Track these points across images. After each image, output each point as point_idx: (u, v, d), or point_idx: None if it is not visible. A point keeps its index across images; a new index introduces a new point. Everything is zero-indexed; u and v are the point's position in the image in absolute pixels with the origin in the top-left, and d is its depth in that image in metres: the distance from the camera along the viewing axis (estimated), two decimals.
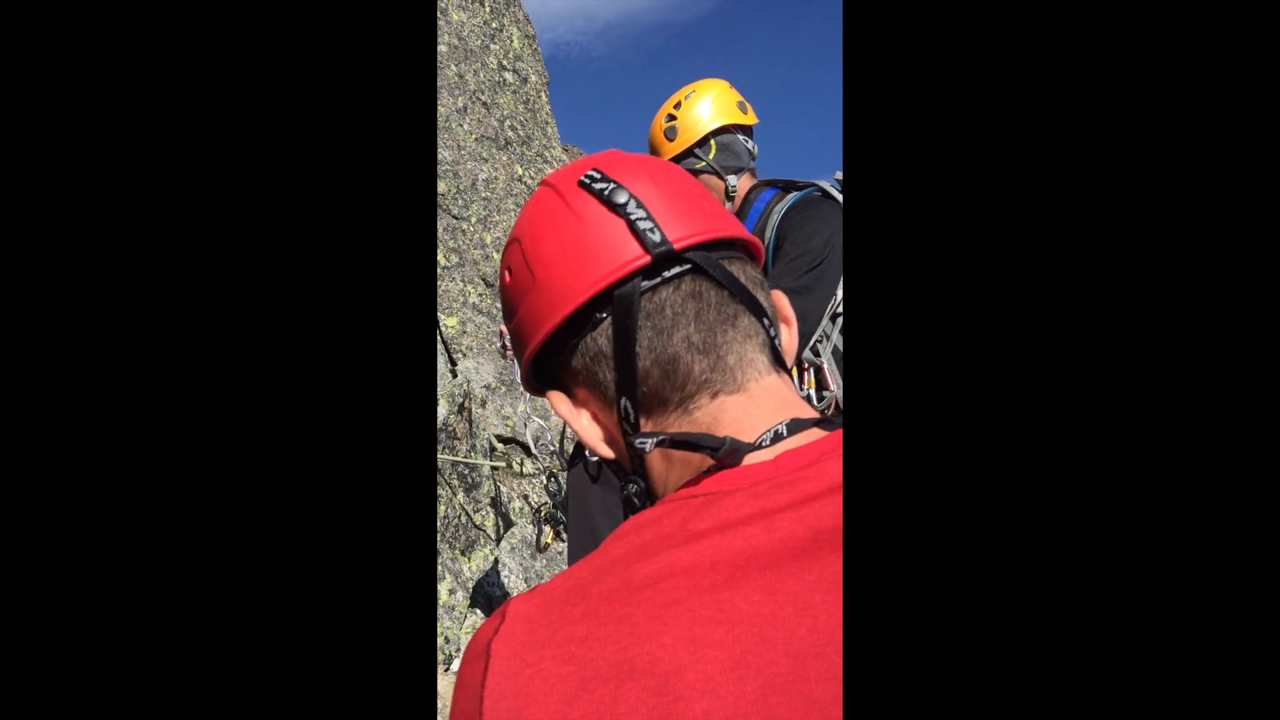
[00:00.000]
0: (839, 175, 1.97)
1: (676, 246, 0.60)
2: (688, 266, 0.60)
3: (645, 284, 0.59)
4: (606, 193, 0.62)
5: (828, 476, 0.55)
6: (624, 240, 0.60)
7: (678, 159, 2.05)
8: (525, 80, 6.39)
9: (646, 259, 0.59)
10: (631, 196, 0.61)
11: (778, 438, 0.59)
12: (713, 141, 2.05)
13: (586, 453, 1.69)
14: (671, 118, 2.07)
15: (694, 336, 0.60)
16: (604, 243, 0.60)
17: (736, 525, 0.52)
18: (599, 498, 1.64)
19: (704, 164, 2.03)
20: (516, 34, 6.27)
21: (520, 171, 5.76)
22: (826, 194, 1.93)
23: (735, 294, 0.61)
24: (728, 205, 2.05)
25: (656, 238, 0.59)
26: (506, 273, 0.68)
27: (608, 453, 0.65)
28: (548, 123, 6.84)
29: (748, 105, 2.10)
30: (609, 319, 0.60)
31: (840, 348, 1.91)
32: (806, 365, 1.86)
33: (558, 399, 0.67)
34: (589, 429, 0.66)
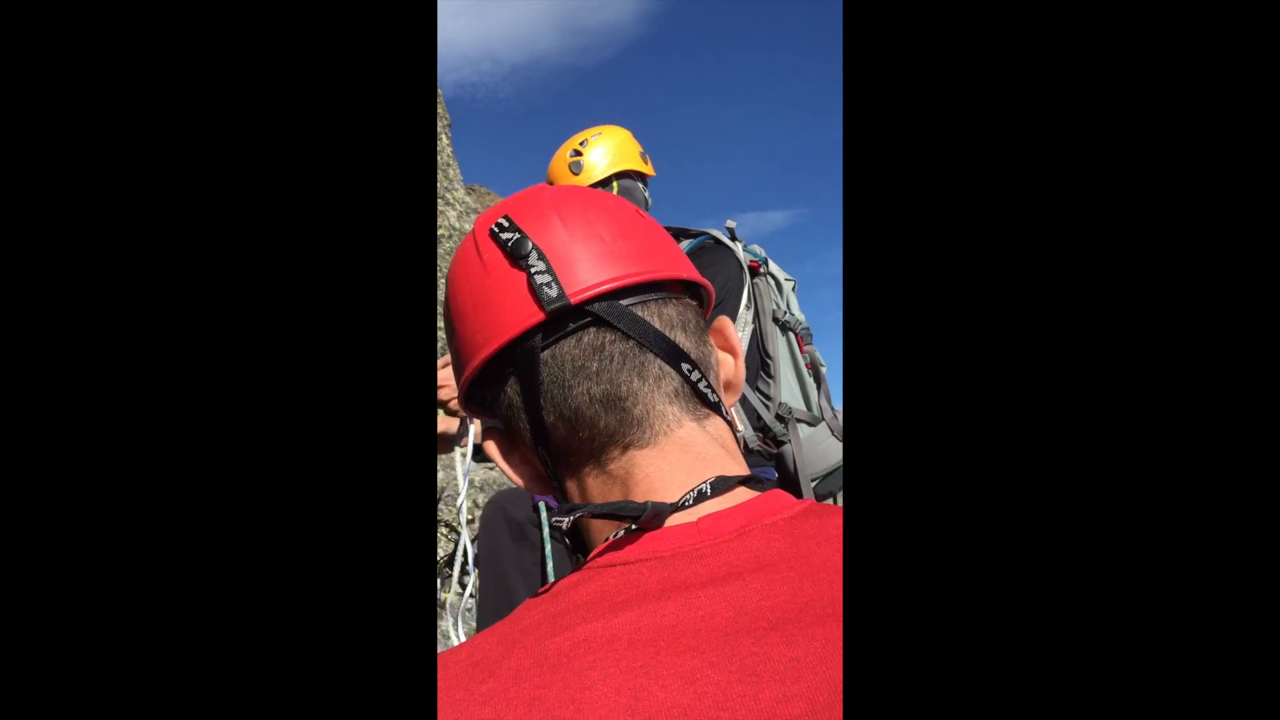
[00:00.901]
0: (730, 223, 2.04)
1: (574, 300, 0.59)
2: (587, 320, 0.60)
3: (545, 340, 0.59)
4: (511, 244, 0.61)
5: (752, 552, 0.54)
6: (522, 296, 0.60)
7: None
8: None
9: (540, 316, 0.59)
10: (535, 248, 0.61)
11: (701, 497, 0.58)
12: (615, 184, 2.09)
13: (482, 508, 1.61)
14: (577, 154, 2.12)
15: (595, 390, 0.59)
16: (505, 298, 0.60)
17: (656, 599, 0.50)
18: (514, 556, 1.56)
19: None
20: None
21: None
22: (718, 241, 2.00)
23: (644, 342, 0.60)
24: None
25: (553, 293, 0.59)
26: (444, 323, 0.69)
27: (542, 490, 0.66)
28: (449, 164, 6.76)
29: (647, 157, 2.18)
30: (514, 375, 0.61)
31: (743, 392, 1.95)
32: None
33: (488, 443, 0.67)
34: (520, 473, 0.66)
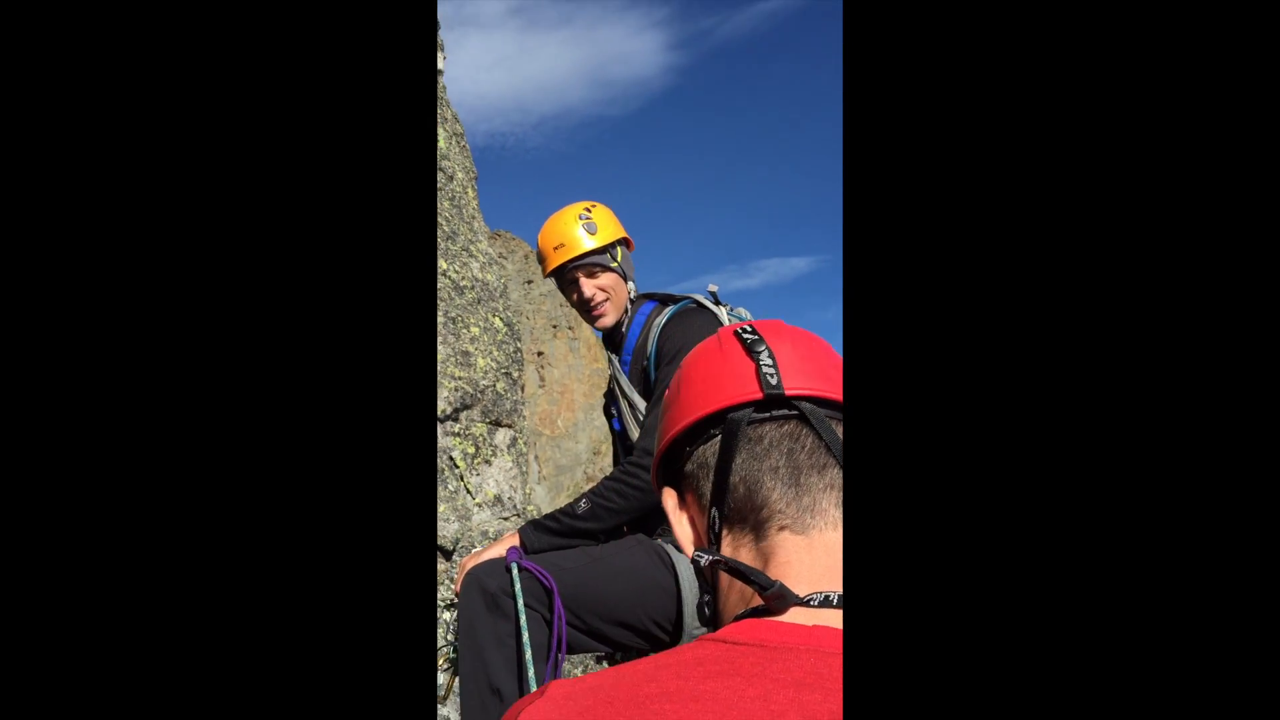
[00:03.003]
0: (712, 288, 2.07)
1: (788, 392, 0.72)
2: (794, 412, 0.72)
3: (756, 415, 0.72)
4: (749, 342, 0.76)
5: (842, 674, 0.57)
6: (748, 378, 0.73)
7: (594, 254, 2.11)
8: (451, 177, 6.42)
9: (759, 395, 0.72)
10: (767, 348, 0.75)
11: (826, 603, 0.64)
12: (620, 249, 2.14)
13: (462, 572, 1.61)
14: (585, 216, 2.13)
15: (781, 470, 0.70)
16: (733, 376, 0.74)
17: (744, 680, 0.56)
18: (489, 626, 1.55)
19: (616, 265, 2.11)
20: (442, 134, 6.33)
21: (444, 266, 5.74)
22: (701, 305, 2.03)
23: (830, 448, 0.70)
24: (627, 310, 2.10)
25: (774, 381, 0.72)
26: (667, 391, 0.83)
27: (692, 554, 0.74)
28: (474, 217, 6.86)
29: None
30: (719, 437, 0.72)
31: None
32: None
33: (667, 494, 0.78)
34: (684, 530, 0.76)
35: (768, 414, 0.72)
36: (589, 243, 2.09)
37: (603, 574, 1.70)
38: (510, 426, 5.41)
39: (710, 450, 0.73)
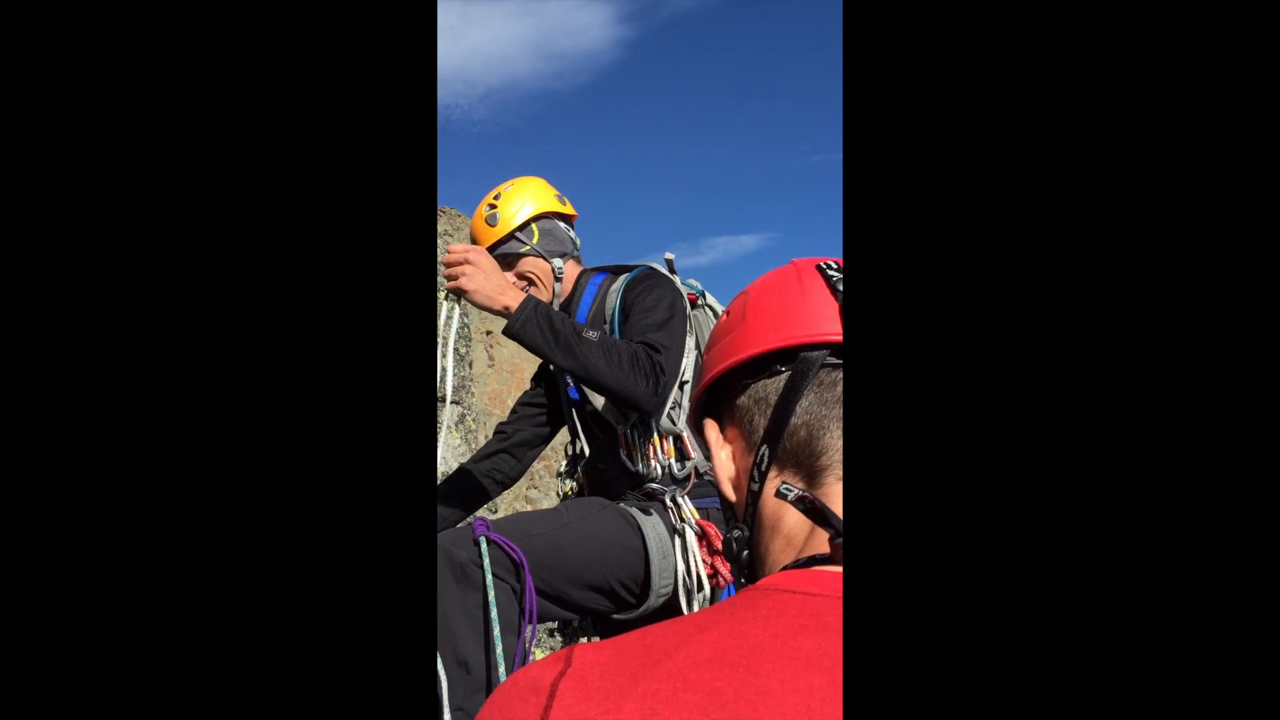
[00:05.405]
0: (668, 256, 2.06)
1: None
2: None
3: (832, 359, 0.65)
4: (834, 279, 0.68)
5: None
6: (831, 317, 0.66)
7: (500, 243, 2.07)
8: None
9: (839, 338, 0.65)
10: None
11: None
12: (534, 226, 2.06)
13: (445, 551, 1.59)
14: (492, 207, 2.08)
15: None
16: (813, 312, 0.67)
17: (835, 632, 0.52)
18: (456, 598, 1.52)
19: (528, 247, 2.07)
20: None
21: None
22: (657, 270, 2.02)
23: None
24: (555, 287, 2.07)
25: None
26: (725, 315, 0.75)
27: (730, 493, 0.70)
28: None
29: (565, 199, 2.17)
30: (787, 374, 0.66)
31: None
32: (665, 434, 1.87)
33: (709, 425, 0.72)
34: (725, 464, 0.70)
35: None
36: (490, 236, 2.06)
37: (572, 539, 1.68)
38: (458, 403, 5.32)
39: (774, 386, 0.66)
